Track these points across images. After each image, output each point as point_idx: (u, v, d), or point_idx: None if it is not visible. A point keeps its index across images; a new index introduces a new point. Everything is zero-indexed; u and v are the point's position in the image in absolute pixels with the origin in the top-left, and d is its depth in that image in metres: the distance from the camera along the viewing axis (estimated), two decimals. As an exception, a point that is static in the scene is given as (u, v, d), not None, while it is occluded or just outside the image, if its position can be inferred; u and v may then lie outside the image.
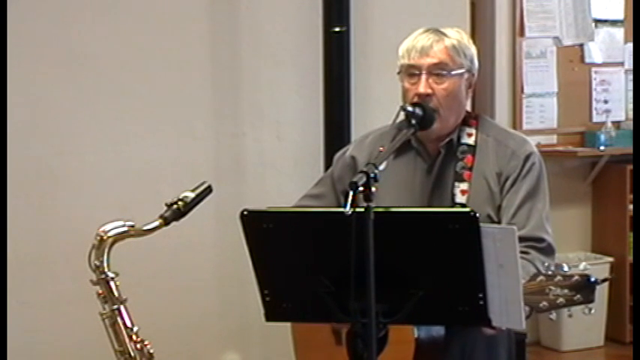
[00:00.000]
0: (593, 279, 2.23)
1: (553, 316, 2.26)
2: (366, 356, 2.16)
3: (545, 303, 2.24)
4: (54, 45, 3.92)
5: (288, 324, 2.84)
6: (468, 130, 2.68)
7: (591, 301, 2.22)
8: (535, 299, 2.24)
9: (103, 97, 4.01)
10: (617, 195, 5.78)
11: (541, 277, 2.26)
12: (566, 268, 2.25)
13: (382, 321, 2.19)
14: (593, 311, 2.25)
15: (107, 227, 2.28)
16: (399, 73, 2.64)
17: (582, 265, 2.28)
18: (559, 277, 2.24)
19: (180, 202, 2.29)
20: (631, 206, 5.64)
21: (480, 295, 2.15)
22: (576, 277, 2.23)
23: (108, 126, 4.03)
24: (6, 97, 3.76)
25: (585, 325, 5.52)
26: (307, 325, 2.67)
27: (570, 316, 2.27)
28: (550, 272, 2.26)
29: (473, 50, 2.66)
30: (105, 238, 2.27)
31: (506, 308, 2.15)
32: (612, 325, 5.63)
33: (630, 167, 5.56)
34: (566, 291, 2.23)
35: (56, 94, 3.94)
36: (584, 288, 2.22)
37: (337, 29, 4.23)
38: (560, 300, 2.23)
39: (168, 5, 4.12)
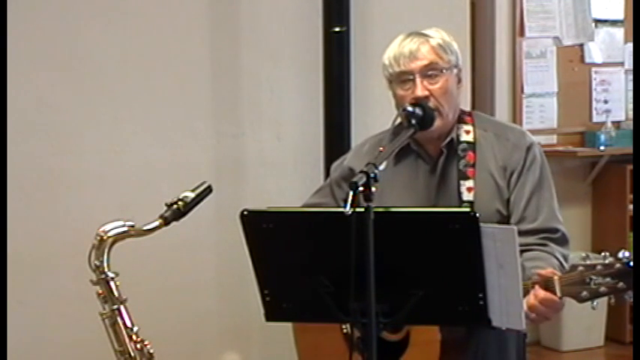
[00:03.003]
0: (631, 263, 2.26)
1: (595, 304, 2.30)
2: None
3: (586, 293, 2.28)
4: (54, 45, 3.92)
5: (289, 324, 2.84)
6: (465, 127, 2.69)
7: (633, 287, 2.25)
8: (575, 290, 2.29)
9: (103, 97, 4.00)
10: (617, 195, 5.79)
11: (581, 268, 2.29)
12: (607, 260, 2.28)
13: (382, 321, 2.18)
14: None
15: (107, 227, 2.29)
16: (390, 83, 2.65)
17: (621, 253, 2.29)
18: (600, 267, 2.27)
19: (180, 202, 2.29)
20: (631, 206, 5.64)
21: (480, 295, 2.15)
22: (618, 265, 2.26)
23: (108, 126, 4.02)
24: (6, 97, 3.76)
25: (585, 325, 5.53)
26: (314, 333, 2.67)
27: (594, 308, 2.31)
28: (588, 262, 2.29)
29: (455, 45, 2.70)
30: (105, 238, 2.27)
31: (506, 308, 2.15)
32: (612, 325, 5.63)
33: (630, 167, 5.57)
34: (608, 279, 2.26)
35: (56, 94, 3.93)
36: (626, 275, 2.25)
37: (337, 29, 4.22)
38: (603, 289, 2.27)
39: (168, 5, 4.12)
